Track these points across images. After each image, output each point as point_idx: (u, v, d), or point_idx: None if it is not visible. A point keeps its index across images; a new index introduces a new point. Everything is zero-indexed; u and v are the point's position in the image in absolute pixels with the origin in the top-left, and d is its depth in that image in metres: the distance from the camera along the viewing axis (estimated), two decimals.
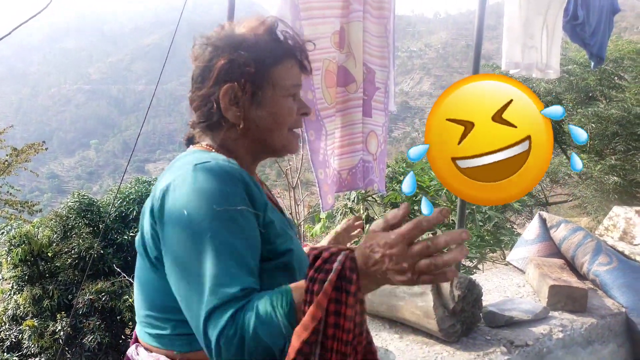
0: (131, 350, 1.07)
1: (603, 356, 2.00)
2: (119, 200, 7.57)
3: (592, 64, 3.25)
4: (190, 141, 1.16)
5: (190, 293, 0.87)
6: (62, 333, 6.23)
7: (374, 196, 5.76)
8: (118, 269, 5.60)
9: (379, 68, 2.04)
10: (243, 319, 0.83)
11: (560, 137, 8.65)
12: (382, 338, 1.74)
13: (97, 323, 6.37)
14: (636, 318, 2.07)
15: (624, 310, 2.09)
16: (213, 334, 0.82)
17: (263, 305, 0.84)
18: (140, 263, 1.05)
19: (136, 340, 1.08)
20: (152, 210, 0.97)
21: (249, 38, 1.07)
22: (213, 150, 1.09)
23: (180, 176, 0.94)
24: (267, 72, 1.07)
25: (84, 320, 6.46)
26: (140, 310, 1.07)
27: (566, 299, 2.00)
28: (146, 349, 1.04)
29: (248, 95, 1.06)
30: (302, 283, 0.84)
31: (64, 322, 6.33)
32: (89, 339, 6.20)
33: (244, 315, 0.83)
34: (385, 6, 2.01)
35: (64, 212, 7.70)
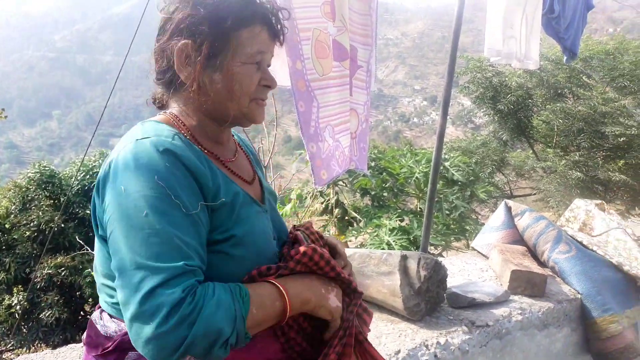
0: (95, 315, 1.05)
1: (557, 339, 2.08)
2: (82, 173, 7.34)
3: (565, 58, 3.32)
4: (156, 102, 1.11)
5: (125, 268, 0.85)
6: (18, 307, 6.05)
7: (344, 181, 5.78)
8: (81, 242, 5.44)
9: (361, 46, 2.02)
10: (202, 298, 0.84)
11: (528, 131, 8.88)
12: None
13: (56, 298, 6.21)
14: (590, 304, 2.15)
15: (579, 296, 2.17)
16: (161, 310, 0.80)
17: (221, 290, 0.87)
18: (96, 235, 1.03)
19: (100, 307, 1.06)
20: (97, 183, 0.95)
21: None
22: (173, 118, 1.05)
23: (122, 151, 0.92)
24: (229, 33, 1.00)
25: (42, 295, 6.29)
26: (97, 278, 1.05)
27: (526, 283, 2.06)
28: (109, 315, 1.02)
29: (203, 57, 0.99)
30: (256, 285, 0.95)
31: (21, 296, 6.14)
32: (47, 314, 6.04)
33: (203, 294, 0.84)
34: None
35: (24, 183, 7.42)
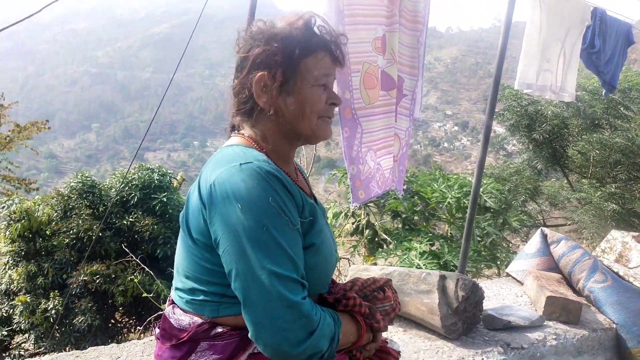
0: (168, 310, 1.17)
1: None
2: (121, 184, 7.61)
3: (604, 91, 3.35)
4: (234, 128, 1.26)
5: (251, 274, 0.99)
6: (53, 311, 6.25)
7: (375, 203, 5.84)
8: (125, 250, 5.62)
9: (408, 76, 2.15)
10: (320, 313, 1.04)
11: (563, 161, 8.78)
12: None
13: (89, 305, 6.39)
14: (625, 334, 2.16)
15: (614, 326, 2.18)
16: (292, 311, 0.97)
17: (326, 312, 1.08)
18: (182, 237, 1.17)
19: (172, 303, 1.18)
20: (201, 198, 1.08)
21: (284, 30, 1.17)
22: (252, 141, 1.19)
23: (226, 172, 1.05)
24: (298, 62, 1.15)
25: (76, 301, 6.47)
26: (177, 277, 1.18)
27: (561, 310, 2.09)
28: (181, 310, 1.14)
29: (278, 84, 1.15)
30: (343, 315, 1.16)
31: (57, 301, 6.35)
32: (80, 320, 6.20)
33: (319, 310, 1.05)
34: (419, 19, 2.12)
35: (66, 192, 7.69)
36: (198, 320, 1.10)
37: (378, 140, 2.04)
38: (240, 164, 1.05)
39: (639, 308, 2.26)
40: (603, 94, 3.35)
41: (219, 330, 1.09)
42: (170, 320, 1.14)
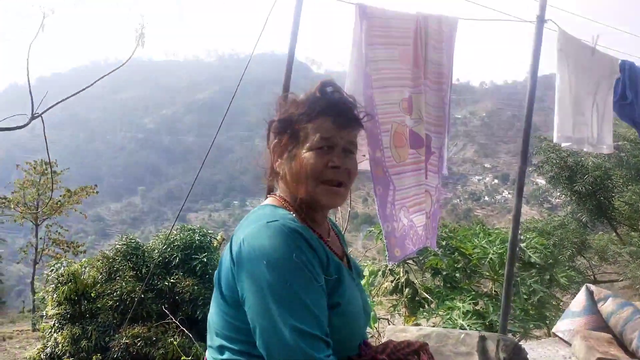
0: None
1: None
2: (163, 246, 7.78)
3: None
4: (271, 190, 1.35)
5: (274, 329, 1.01)
6: None
7: (414, 260, 5.73)
8: (165, 311, 5.67)
9: (434, 135, 2.22)
10: None
11: (609, 213, 8.44)
12: None
13: None
14: None
15: None
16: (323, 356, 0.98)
17: None
18: (215, 294, 1.21)
19: None
20: (231, 255, 1.13)
21: (296, 99, 1.26)
22: (283, 201, 1.24)
23: (255, 230, 1.11)
24: (301, 127, 1.21)
25: None
26: (209, 335, 1.22)
27: None
28: None
29: (282, 149, 1.23)
30: None
31: None
32: None
33: None
34: (444, 80, 2.22)
35: (111, 254, 7.93)
36: None
37: (410, 197, 2.07)
38: (267, 222, 1.10)
39: None
40: None
41: None
42: None
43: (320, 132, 1.20)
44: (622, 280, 8.43)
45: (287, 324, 0.99)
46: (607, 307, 2.39)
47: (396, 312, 5.46)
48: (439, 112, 2.22)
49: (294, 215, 1.19)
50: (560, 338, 2.45)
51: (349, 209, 4.82)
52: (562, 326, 2.48)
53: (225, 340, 1.13)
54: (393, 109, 1.97)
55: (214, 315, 1.19)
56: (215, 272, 1.21)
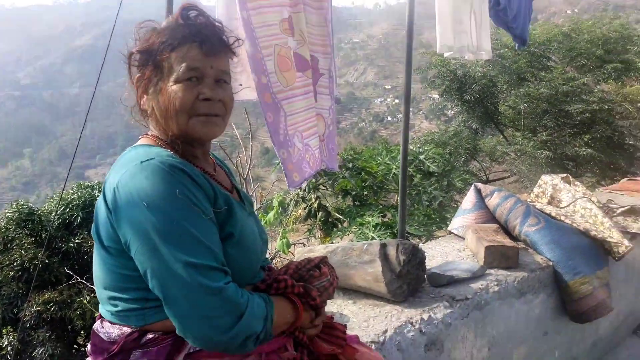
0: (96, 325, 1.14)
1: (535, 305, 2.22)
2: (61, 207, 7.30)
3: (517, 45, 3.50)
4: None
5: (168, 269, 0.96)
6: (9, 348, 5.98)
7: (324, 185, 5.88)
8: (70, 273, 5.42)
9: (321, 55, 2.17)
10: (247, 297, 1.02)
11: (496, 117, 9.14)
12: (337, 304, 1.86)
13: (47, 335, 6.16)
14: (561, 269, 2.30)
15: (551, 264, 2.32)
16: (217, 298, 0.96)
17: (255, 294, 1.07)
18: (95, 248, 1.13)
19: (101, 317, 1.15)
20: (106, 203, 1.04)
21: (157, 27, 1.13)
22: (157, 140, 1.15)
23: (128, 173, 1.02)
24: (164, 58, 1.10)
25: (33, 333, 6.22)
26: (98, 290, 1.15)
27: (500, 257, 2.20)
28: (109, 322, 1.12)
29: (146, 83, 1.12)
30: (275, 297, 1.14)
31: (11, 337, 6.07)
32: (40, 352, 5.98)
33: (247, 293, 1.03)
34: None
35: (3, 224, 7.34)
36: (127, 330, 1.08)
37: (302, 121, 2.04)
38: (141, 162, 1.02)
39: (572, 244, 2.40)
40: (516, 47, 3.50)
41: (150, 336, 1.06)
42: (100, 334, 1.11)
43: (187, 62, 1.08)
44: (510, 177, 9.34)
45: (179, 261, 0.95)
46: (492, 200, 2.62)
47: (312, 235, 5.65)
48: (323, 31, 2.14)
49: (172, 152, 1.10)
50: (455, 234, 2.67)
51: (251, 144, 4.76)
52: (455, 223, 2.69)
53: (117, 292, 1.08)
54: (273, 30, 1.87)
55: (98, 271, 1.11)
56: (92, 225, 1.11)
